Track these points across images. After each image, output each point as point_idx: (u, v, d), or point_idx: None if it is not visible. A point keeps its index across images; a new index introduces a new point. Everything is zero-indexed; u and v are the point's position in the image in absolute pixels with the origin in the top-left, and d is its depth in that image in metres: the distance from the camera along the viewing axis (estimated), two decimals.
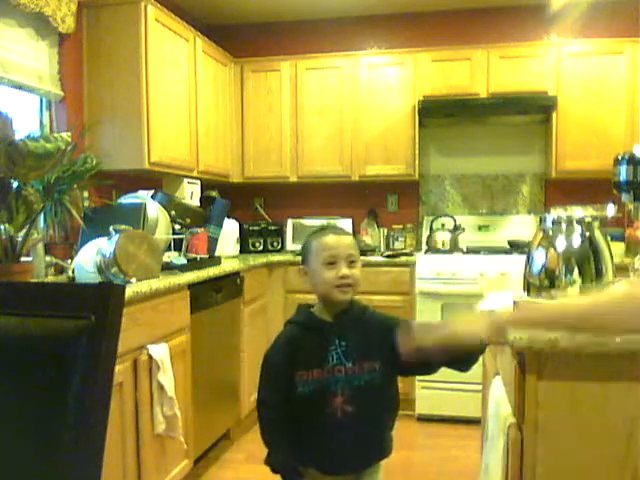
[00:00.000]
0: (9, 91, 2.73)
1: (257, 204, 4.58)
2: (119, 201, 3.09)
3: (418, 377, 3.55)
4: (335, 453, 1.52)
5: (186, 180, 3.55)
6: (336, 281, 1.50)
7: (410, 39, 4.21)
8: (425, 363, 1.44)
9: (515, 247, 3.73)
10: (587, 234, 1.69)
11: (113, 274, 2.34)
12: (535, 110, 3.89)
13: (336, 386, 1.50)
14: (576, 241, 1.70)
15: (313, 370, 1.50)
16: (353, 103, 4.07)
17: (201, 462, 2.95)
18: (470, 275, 3.48)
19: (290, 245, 4.31)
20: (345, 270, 1.51)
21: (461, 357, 1.44)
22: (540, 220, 1.77)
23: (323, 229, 1.62)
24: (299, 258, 4.36)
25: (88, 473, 1.02)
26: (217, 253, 3.48)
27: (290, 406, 1.52)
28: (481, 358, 1.58)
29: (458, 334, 1.29)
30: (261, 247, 4.24)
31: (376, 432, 1.57)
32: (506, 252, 3.69)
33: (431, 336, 1.32)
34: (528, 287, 1.77)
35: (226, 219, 3.69)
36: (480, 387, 2.42)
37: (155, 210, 2.95)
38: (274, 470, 1.53)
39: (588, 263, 1.67)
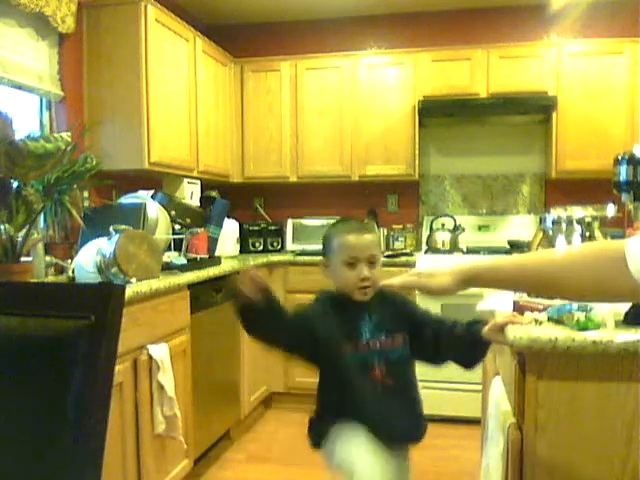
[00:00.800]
0: (9, 91, 2.73)
1: (257, 204, 4.58)
2: (119, 201, 3.09)
3: (418, 377, 3.55)
4: (389, 422, 1.50)
5: (186, 180, 3.55)
6: (357, 282, 1.50)
7: (410, 39, 4.21)
8: (435, 350, 1.50)
9: (515, 247, 3.72)
10: (587, 234, 1.69)
11: (113, 274, 2.34)
12: (535, 110, 3.89)
13: (373, 360, 1.49)
14: (576, 241, 1.70)
15: (354, 342, 1.49)
16: (353, 103, 4.07)
17: (201, 462, 2.95)
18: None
19: (290, 245, 4.31)
20: (366, 272, 1.50)
21: (467, 352, 1.46)
22: (540, 220, 1.78)
23: (346, 221, 1.61)
24: (299, 258, 4.35)
25: (88, 473, 1.02)
26: (217, 253, 3.48)
27: (335, 382, 1.50)
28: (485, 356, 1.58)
29: (428, 286, 1.34)
30: (261, 247, 4.24)
31: (416, 406, 1.57)
32: (506, 252, 3.69)
33: (405, 283, 1.39)
34: None
35: (226, 219, 3.68)
36: (480, 387, 2.42)
37: (155, 210, 2.95)
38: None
39: None
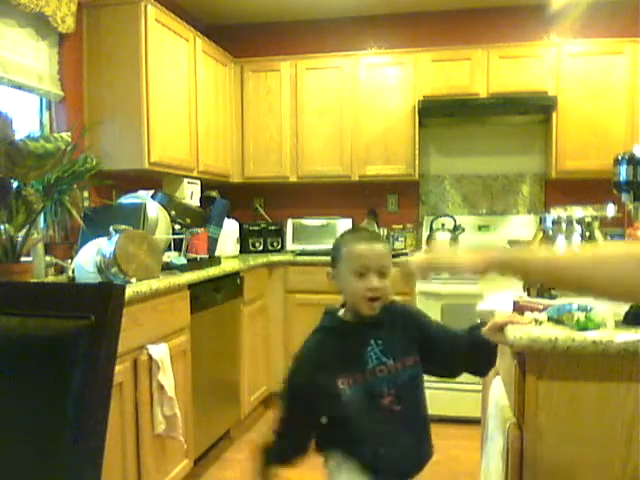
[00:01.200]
0: (9, 91, 2.73)
1: (257, 204, 4.58)
2: (119, 201, 3.09)
3: None
4: (391, 457, 1.42)
5: (186, 180, 3.55)
6: (365, 292, 1.42)
7: (410, 39, 4.21)
8: (445, 363, 1.48)
9: (515, 247, 3.72)
10: (587, 234, 1.69)
11: (113, 274, 2.34)
12: (535, 110, 3.89)
13: (381, 386, 1.41)
14: (576, 241, 1.70)
15: (355, 375, 1.41)
16: (353, 103, 4.07)
17: (201, 462, 2.95)
18: (470, 275, 3.48)
19: (290, 245, 4.31)
20: (375, 282, 1.42)
21: (480, 358, 1.44)
22: (540, 220, 1.78)
23: (356, 231, 1.54)
24: (299, 258, 4.35)
25: (88, 473, 1.02)
26: (217, 253, 3.48)
27: (335, 419, 1.43)
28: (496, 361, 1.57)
29: (457, 266, 1.28)
30: (261, 247, 4.24)
31: (424, 429, 1.51)
32: None
33: (431, 264, 1.33)
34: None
35: (226, 219, 3.69)
36: (480, 387, 2.42)
37: (155, 210, 2.95)
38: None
39: None
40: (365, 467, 1.41)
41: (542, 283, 1.37)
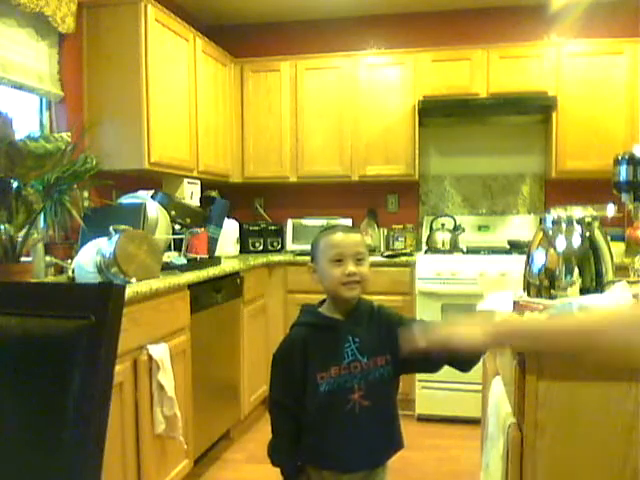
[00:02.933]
0: (9, 91, 2.73)
1: (257, 204, 4.58)
2: (119, 201, 3.09)
3: (418, 377, 3.56)
4: (354, 449, 1.53)
5: (186, 180, 3.55)
6: (343, 278, 1.50)
7: (410, 39, 4.21)
8: (426, 360, 1.44)
9: (515, 247, 3.73)
10: (587, 234, 1.69)
11: (113, 274, 2.34)
12: (535, 110, 3.89)
13: (353, 382, 1.51)
14: (576, 241, 1.70)
15: (331, 369, 1.50)
16: (353, 103, 4.07)
17: (201, 462, 2.95)
18: (470, 275, 3.49)
19: (290, 245, 4.31)
20: (352, 267, 1.50)
21: (462, 357, 1.43)
22: (540, 220, 1.78)
23: (332, 227, 1.62)
24: (299, 258, 4.36)
25: (88, 473, 1.02)
26: (217, 253, 3.48)
27: (310, 406, 1.52)
28: (481, 358, 1.58)
29: (455, 339, 1.22)
30: (261, 247, 4.24)
31: (391, 425, 1.59)
32: (506, 252, 3.69)
33: (429, 337, 1.28)
34: (528, 287, 1.77)
35: (226, 219, 3.68)
36: (480, 387, 2.42)
37: (155, 210, 2.95)
38: (274, 464, 1.60)
39: (588, 263, 1.67)
40: (334, 457, 1.52)
41: (549, 352, 1.32)
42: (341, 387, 1.50)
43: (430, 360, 1.47)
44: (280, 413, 1.59)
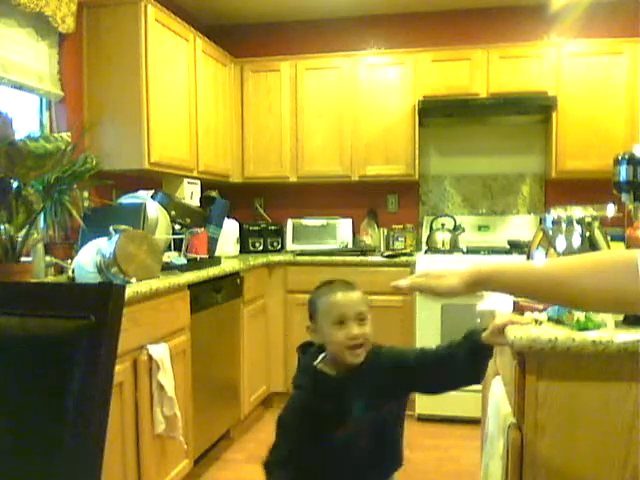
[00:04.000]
0: (9, 91, 2.73)
1: (257, 204, 4.58)
2: (119, 201, 3.09)
3: None
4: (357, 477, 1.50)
5: (186, 180, 3.55)
6: (347, 342, 1.43)
7: (410, 39, 4.21)
8: (441, 385, 1.52)
9: (515, 247, 3.73)
10: (587, 234, 1.69)
11: (113, 274, 2.34)
12: (535, 110, 3.89)
13: (361, 434, 1.46)
14: (576, 241, 1.70)
15: (340, 428, 1.44)
16: (353, 103, 4.07)
17: (201, 462, 2.95)
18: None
19: (290, 245, 4.31)
20: (355, 330, 1.43)
21: (473, 366, 1.44)
22: (540, 220, 1.78)
23: (330, 283, 1.54)
24: (299, 258, 4.33)
25: (88, 473, 1.02)
26: (217, 253, 3.48)
27: (318, 462, 1.46)
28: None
29: (436, 284, 1.25)
30: (261, 247, 4.24)
31: (397, 446, 1.56)
32: (506, 252, 3.69)
33: (412, 281, 1.32)
34: None
35: (226, 219, 3.69)
36: (480, 387, 2.42)
37: (155, 210, 2.95)
38: None
39: None
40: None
41: (528, 298, 1.35)
42: (351, 440, 1.45)
43: (446, 382, 1.53)
44: (281, 473, 1.48)
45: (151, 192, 3.15)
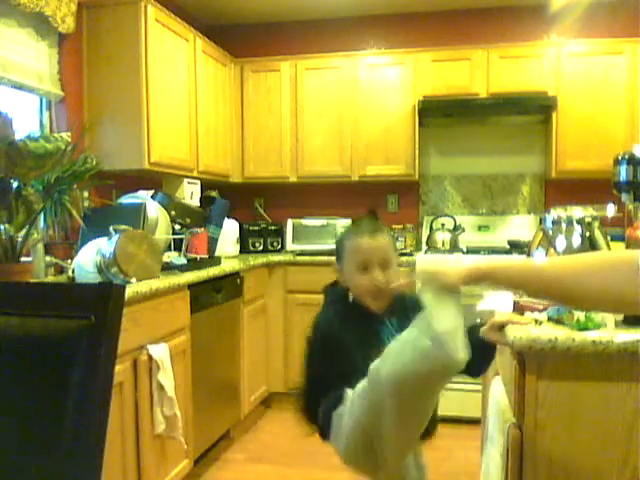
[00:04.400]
0: (9, 91, 2.73)
1: (257, 204, 4.58)
2: (119, 201, 3.09)
3: None
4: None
5: (186, 180, 3.55)
6: (370, 287, 1.44)
7: (410, 39, 4.21)
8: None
9: (515, 247, 3.72)
10: (587, 234, 1.69)
11: (113, 274, 2.34)
12: (535, 110, 3.89)
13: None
14: (576, 241, 1.70)
15: (372, 351, 1.37)
16: (353, 103, 4.07)
17: (201, 462, 2.95)
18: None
19: (290, 245, 4.30)
20: (379, 276, 1.44)
21: (476, 358, 1.40)
22: (540, 220, 1.78)
23: (357, 225, 1.53)
24: (299, 258, 4.34)
25: (88, 473, 1.02)
26: (217, 253, 3.48)
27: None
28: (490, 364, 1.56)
29: (438, 276, 1.26)
30: (261, 247, 4.24)
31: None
32: (506, 252, 3.69)
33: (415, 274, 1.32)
34: None
35: (226, 219, 3.69)
36: (480, 387, 2.42)
37: (155, 210, 2.95)
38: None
39: None
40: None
41: (527, 294, 1.35)
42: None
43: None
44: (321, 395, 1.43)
45: (151, 192, 3.15)
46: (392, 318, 1.48)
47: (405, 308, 1.48)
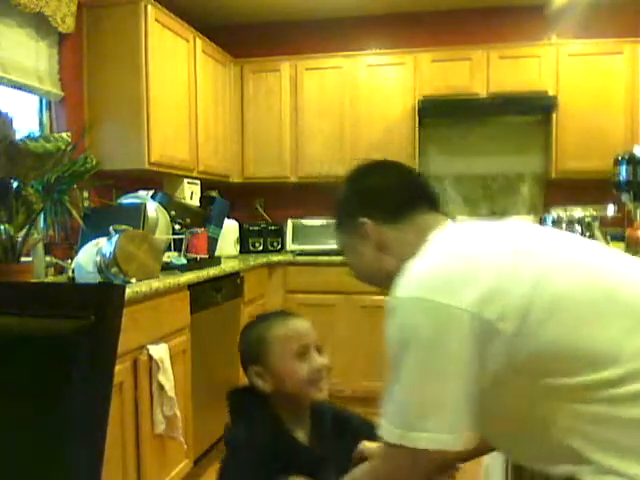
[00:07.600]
0: (9, 91, 2.73)
1: (257, 204, 4.58)
2: (119, 201, 3.09)
3: None
4: None
5: (186, 180, 3.55)
6: (312, 375, 1.24)
7: (410, 39, 4.21)
8: None
9: None
10: (587, 234, 1.69)
11: (113, 274, 2.34)
12: (535, 110, 3.89)
13: None
14: None
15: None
16: (353, 103, 4.07)
17: (201, 462, 2.95)
18: None
19: (290, 245, 4.30)
20: (320, 360, 1.25)
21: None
22: (540, 220, 1.78)
23: (269, 314, 1.35)
24: (299, 258, 4.32)
25: (88, 473, 1.02)
26: (217, 253, 3.48)
27: None
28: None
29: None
30: (261, 247, 4.24)
31: None
32: None
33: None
34: None
35: (226, 219, 3.68)
36: None
37: (155, 210, 2.95)
38: None
39: None
40: None
41: None
42: None
43: None
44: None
45: (151, 192, 3.15)
46: (326, 456, 1.25)
47: (340, 430, 1.30)
